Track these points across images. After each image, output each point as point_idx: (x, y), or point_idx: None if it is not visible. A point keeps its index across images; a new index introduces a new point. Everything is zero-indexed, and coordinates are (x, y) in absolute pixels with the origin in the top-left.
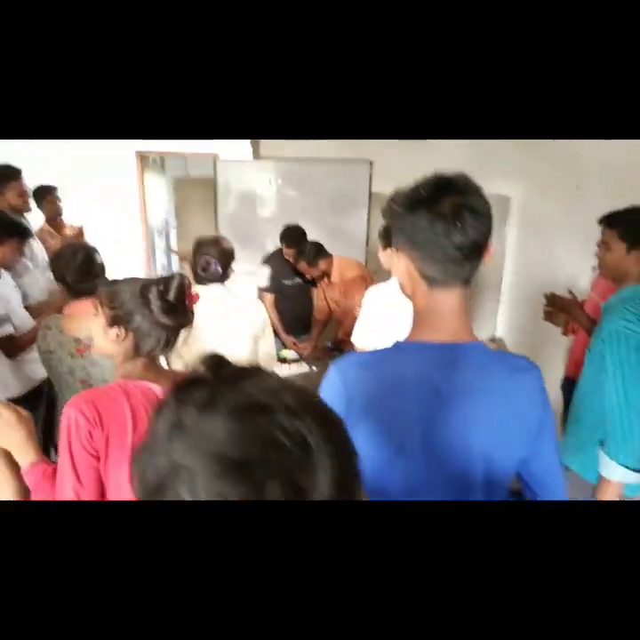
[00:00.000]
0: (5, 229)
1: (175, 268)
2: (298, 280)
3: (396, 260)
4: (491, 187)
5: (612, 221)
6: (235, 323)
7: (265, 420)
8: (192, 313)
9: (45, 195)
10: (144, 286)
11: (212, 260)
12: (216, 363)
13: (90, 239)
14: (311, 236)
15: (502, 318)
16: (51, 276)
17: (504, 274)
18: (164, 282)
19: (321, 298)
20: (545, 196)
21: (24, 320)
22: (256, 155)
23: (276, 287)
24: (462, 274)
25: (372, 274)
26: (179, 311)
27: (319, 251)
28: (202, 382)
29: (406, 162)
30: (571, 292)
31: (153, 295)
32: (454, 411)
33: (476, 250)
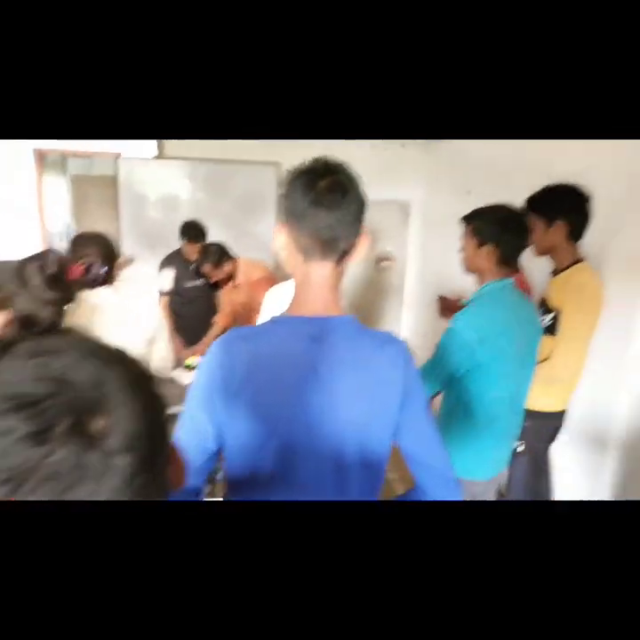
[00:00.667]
0: None
1: None
2: (200, 282)
3: (279, 235)
4: (392, 192)
5: (466, 219)
6: (128, 327)
7: (58, 362)
8: (74, 286)
9: None
10: (20, 266)
11: (94, 262)
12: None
13: None
14: (218, 237)
15: (406, 322)
16: None
17: (406, 278)
18: (40, 257)
19: (225, 301)
20: (442, 200)
21: None
22: (161, 154)
23: (176, 290)
24: (334, 250)
25: (277, 276)
26: (61, 283)
27: (223, 252)
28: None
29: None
30: (459, 298)
31: (31, 272)
32: (325, 382)
33: (346, 228)
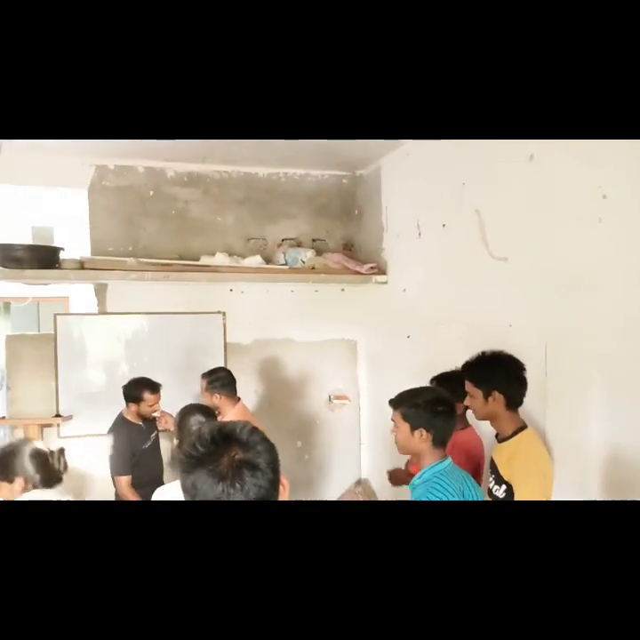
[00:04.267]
0: None
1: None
2: (153, 434)
3: None
4: (339, 332)
5: (394, 404)
6: None
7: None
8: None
9: None
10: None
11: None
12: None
13: None
14: (169, 388)
15: (365, 460)
16: None
17: (361, 415)
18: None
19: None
20: (383, 342)
21: None
22: (102, 309)
23: (131, 458)
24: None
25: None
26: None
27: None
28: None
29: (258, 312)
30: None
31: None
32: None
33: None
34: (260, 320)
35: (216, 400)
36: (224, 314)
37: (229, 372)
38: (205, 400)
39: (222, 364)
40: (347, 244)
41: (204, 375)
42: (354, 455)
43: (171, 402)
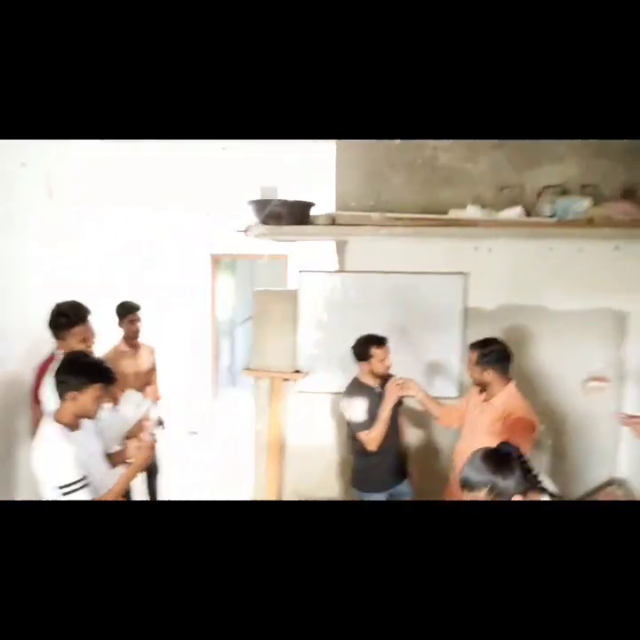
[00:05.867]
0: (88, 374)
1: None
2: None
3: None
4: (606, 300)
5: None
6: None
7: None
8: None
9: (126, 314)
10: None
11: None
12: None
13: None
14: (400, 354)
15: (624, 456)
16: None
17: (624, 403)
18: None
19: None
20: None
21: (104, 479)
22: (341, 267)
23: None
24: None
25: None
26: None
27: None
28: None
29: (508, 274)
30: None
31: None
32: None
33: None
34: (509, 283)
35: (487, 376)
36: (466, 275)
37: (506, 346)
38: (474, 375)
39: (459, 331)
40: (629, 189)
41: (476, 346)
42: (608, 449)
43: (399, 365)
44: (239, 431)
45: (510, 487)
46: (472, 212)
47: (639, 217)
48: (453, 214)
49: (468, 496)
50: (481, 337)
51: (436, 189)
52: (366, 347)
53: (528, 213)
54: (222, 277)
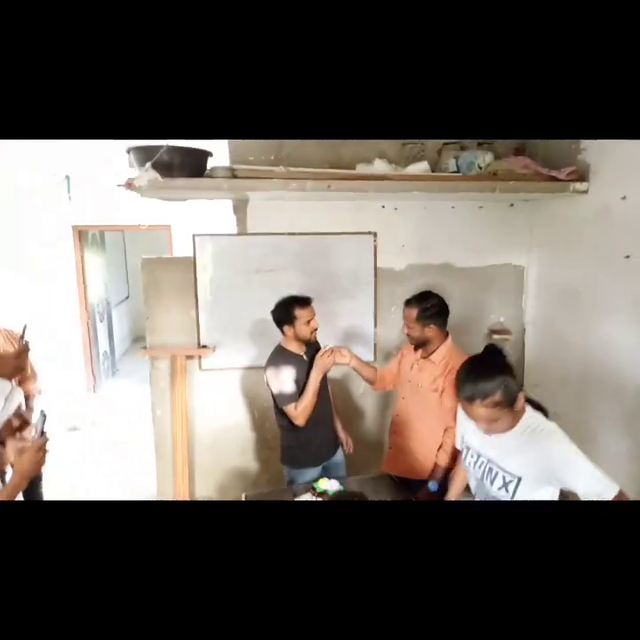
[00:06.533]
0: None
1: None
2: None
3: None
4: (505, 256)
5: None
6: None
7: None
8: None
9: None
10: None
11: None
12: None
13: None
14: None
15: None
16: None
17: (525, 353)
18: None
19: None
20: (572, 267)
21: None
22: (242, 230)
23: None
24: None
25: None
26: None
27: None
28: None
29: (414, 233)
30: None
31: None
32: None
33: None
34: (416, 242)
35: (428, 332)
36: (375, 234)
37: (443, 300)
38: (413, 333)
39: (372, 291)
40: (519, 148)
41: (412, 302)
42: None
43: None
44: (125, 424)
45: (514, 382)
46: (380, 166)
47: (538, 170)
48: (361, 169)
49: (478, 408)
50: (393, 298)
51: (337, 144)
52: (288, 309)
53: (432, 170)
54: (89, 254)
